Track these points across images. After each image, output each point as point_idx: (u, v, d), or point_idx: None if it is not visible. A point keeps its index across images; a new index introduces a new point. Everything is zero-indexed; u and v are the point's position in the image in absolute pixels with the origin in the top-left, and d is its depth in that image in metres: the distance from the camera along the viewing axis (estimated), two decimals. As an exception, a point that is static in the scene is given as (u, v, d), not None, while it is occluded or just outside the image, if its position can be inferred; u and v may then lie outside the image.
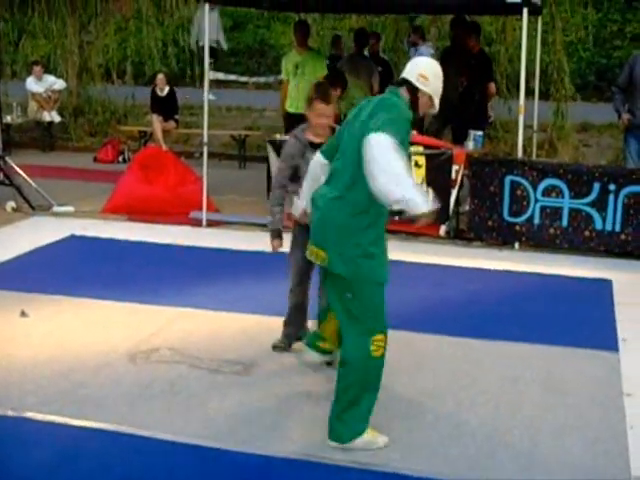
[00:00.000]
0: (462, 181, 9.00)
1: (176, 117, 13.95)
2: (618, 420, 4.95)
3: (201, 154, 10.05)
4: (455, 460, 4.45)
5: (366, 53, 12.38)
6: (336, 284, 4.54)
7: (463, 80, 10.89)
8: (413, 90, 4.66)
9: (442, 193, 8.83)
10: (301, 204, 5.26)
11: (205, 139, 9.94)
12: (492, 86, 11.33)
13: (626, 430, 4.82)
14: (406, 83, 4.67)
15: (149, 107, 14.26)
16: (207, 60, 9.89)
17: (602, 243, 8.66)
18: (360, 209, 4.43)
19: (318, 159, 4.93)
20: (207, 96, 10.06)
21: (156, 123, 13.35)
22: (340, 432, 4.49)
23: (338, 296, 4.54)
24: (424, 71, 4.71)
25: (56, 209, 10.24)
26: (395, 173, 4.12)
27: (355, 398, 4.48)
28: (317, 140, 5.45)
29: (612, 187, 8.64)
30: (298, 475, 4.32)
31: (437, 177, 8.99)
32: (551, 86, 14.26)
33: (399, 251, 8.10)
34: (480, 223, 8.99)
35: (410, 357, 5.76)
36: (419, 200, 4.13)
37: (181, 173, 10.57)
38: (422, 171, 9.00)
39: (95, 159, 14.55)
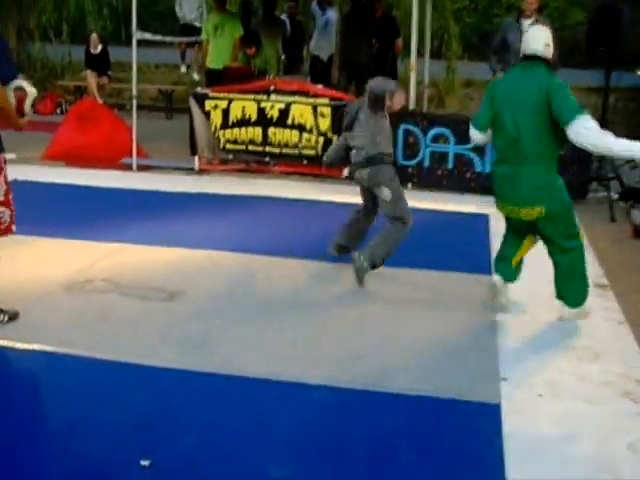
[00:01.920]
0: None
1: (109, 73, 13.61)
2: (491, 330, 5.12)
3: (132, 106, 9.86)
4: (348, 371, 4.56)
5: (283, 16, 12.22)
6: (552, 223, 5.02)
7: (375, 42, 10.86)
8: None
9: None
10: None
11: (134, 92, 9.79)
12: (399, 43, 11.26)
13: (495, 339, 4.97)
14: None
15: (84, 64, 13.92)
16: (134, 22, 9.62)
17: (481, 183, 8.81)
18: (552, 166, 5.03)
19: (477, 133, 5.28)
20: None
21: (90, 78, 13.04)
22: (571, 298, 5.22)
23: (557, 232, 5.07)
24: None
25: (-2, 156, 9.96)
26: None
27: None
28: None
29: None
30: (219, 387, 4.34)
31: (341, 126, 8.99)
32: (442, 47, 14.32)
33: (316, 190, 8.19)
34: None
35: (310, 280, 5.83)
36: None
37: (113, 123, 10.37)
38: (327, 121, 9.00)
39: (35, 111, 14.10)
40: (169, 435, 3.81)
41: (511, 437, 3.84)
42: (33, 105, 5.01)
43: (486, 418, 4.04)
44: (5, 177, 4.86)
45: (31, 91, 4.86)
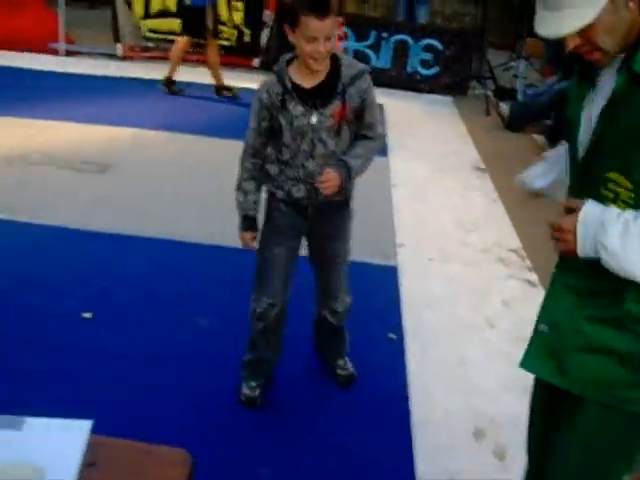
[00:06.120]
0: (273, 24, 8.66)
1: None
2: (387, 203, 5.10)
3: (57, -6, 9.16)
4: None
5: None
6: None
7: None
8: None
9: (255, 32, 8.62)
10: (539, 180, 2.18)
11: (60, -19, 9.07)
12: None
13: (392, 211, 4.98)
14: None
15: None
16: None
17: (377, 77, 8.63)
18: None
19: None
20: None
21: (16, -34, 12.05)
22: None
23: None
24: None
25: None
26: None
27: None
28: (307, 83, 2.61)
29: (385, 34, 8.61)
30: (148, 248, 4.21)
31: (252, 20, 8.65)
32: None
33: (231, 77, 7.84)
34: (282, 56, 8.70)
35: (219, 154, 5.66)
36: None
37: (40, 10, 9.60)
38: (240, 14, 8.61)
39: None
40: (107, 290, 3.69)
41: (407, 295, 3.89)
42: None
43: (385, 279, 4.07)
44: None
45: None
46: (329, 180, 2.60)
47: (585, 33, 1.62)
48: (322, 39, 2.44)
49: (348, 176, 2.66)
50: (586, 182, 1.77)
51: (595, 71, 1.74)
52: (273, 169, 2.74)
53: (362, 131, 2.70)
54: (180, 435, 2.65)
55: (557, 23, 1.62)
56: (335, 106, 2.58)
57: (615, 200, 1.68)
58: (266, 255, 2.83)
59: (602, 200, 1.70)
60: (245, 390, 2.98)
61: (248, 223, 2.80)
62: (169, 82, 7.54)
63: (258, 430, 2.83)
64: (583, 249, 1.68)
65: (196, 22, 7.28)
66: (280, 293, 2.87)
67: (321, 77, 2.59)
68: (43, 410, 1.60)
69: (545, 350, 1.86)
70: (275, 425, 2.88)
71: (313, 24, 2.40)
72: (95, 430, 1.44)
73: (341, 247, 2.94)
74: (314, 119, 2.58)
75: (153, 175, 5.28)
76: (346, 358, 3.19)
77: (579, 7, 1.59)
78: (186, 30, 7.48)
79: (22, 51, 8.74)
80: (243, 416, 2.89)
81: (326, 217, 2.82)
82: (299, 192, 2.72)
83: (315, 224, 2.82)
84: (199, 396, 2.98)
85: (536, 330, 1.90)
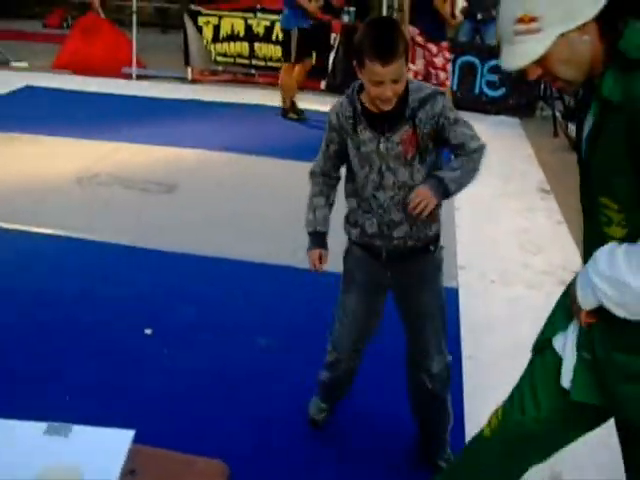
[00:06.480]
0: (338, 47, 8.75)
1: (111, -10, 13.12)
2: (450, 225, 4.96)
3: (130, 22, 9.48)
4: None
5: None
6: None
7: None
8: None
9: (323, 56, 8.71)
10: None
11: (134, 8, 9.41)
12: None
13: (455, 233, 4.91)
14: None
15: (87, -18, 13.30)
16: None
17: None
18: None
19: None
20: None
21: (94, -5, 12.53)
22: None
23: None
24: None
25: (13, 64, 9.61)
26: None
27: None
28: (377, 109, 2.40)
29: (451, 56, 8.57)
30: (212, 268, 4.29)
31: (319, 43, 8.73)
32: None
33: (297, 100, 7.92)
34: (350, 78, 8.74)
35: (285, 176, 5.77)
36: None
37: (115, 36, 9.95)
38: (307, 39, 8.71)
39: (44, 25, 13.59)
40: (169, 308, 3.77)
41: (467, 317, 3.84)
42: None
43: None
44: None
45: None
46: (419, 195, 2.31)
47: (543, 64, 1.65)
48: (388, 83, 2.27)
49: (444, 189, 2.34)
50: (586, 205, 1.79)
51: (589, 95, 1.73)
52: (351, 202, 2.55)
53: (454, 152, 2.46)
54: (228, 449, 2.67)
55: (511, 56, 1.67)
56: (404, 132, 2.38)
57: (609, 224, 1.68)
58: (341, 305, 2.67)
59: (599, 225, 1.70)
60: (311, 409, 2.98)
61: (316, 240, 2.60)
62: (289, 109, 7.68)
63: (308, 447, 2.84)
64: (584, 298, 1.73)
65: (284, 45, 7.53)
66: (349, 350, 2.72)
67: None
68: (94, 419, 1.65)
69: (591, 376, 1.82)
70: (328, 442, 2.88)
71: (377, 69, 2.25)
72: (140, 440, 1.47)
73: (430, 301, 2.55)
74: (382, 145, 2.39)
75: (219, 196, 5.37)
76: (449, 452, 2.77)
77: (528, 42, 1.62)
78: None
79: (97, 76, 9.06)
80: (298, 434, 2.90)
81: (406, 265, 2.53)
82: (372, 227, 2.49)
83: (394, 273, 2.55)
84: (252, 414, 3.00)
85: (580, 356, 1.85)
